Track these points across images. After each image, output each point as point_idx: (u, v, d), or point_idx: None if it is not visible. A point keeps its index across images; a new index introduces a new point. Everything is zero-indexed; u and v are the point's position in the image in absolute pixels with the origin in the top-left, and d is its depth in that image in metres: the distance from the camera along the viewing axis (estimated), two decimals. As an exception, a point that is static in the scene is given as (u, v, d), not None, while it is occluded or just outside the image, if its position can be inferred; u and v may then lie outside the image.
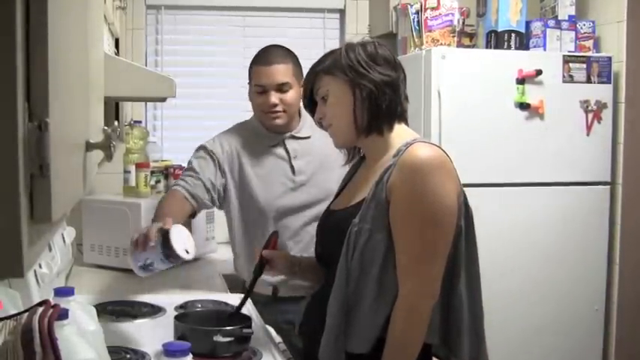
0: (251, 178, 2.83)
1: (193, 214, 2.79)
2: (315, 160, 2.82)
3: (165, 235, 2.10)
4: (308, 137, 2.88)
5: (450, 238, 1.90)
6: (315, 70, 2.06)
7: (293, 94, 2.81)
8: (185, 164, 3.69)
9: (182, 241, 2.12)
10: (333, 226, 2.10)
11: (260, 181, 2.83)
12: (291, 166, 2.85)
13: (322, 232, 2.20)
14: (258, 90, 2.82)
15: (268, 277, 2.47)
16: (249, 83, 2.90)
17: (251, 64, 2.88)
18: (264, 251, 2.26)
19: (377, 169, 1.98)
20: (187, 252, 2.12)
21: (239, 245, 2.89)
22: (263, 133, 2.89)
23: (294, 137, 2.89)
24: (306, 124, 2.89)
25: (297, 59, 2.88)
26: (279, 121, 2.83)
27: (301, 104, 2.79)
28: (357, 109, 1.99)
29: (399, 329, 1.87)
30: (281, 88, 2.79)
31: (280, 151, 2.87)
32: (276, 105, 2.79)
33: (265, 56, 2.83)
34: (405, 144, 1.94)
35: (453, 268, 1.94)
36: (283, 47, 2.90)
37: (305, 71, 2.40)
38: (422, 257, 1.87)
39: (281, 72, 2.79)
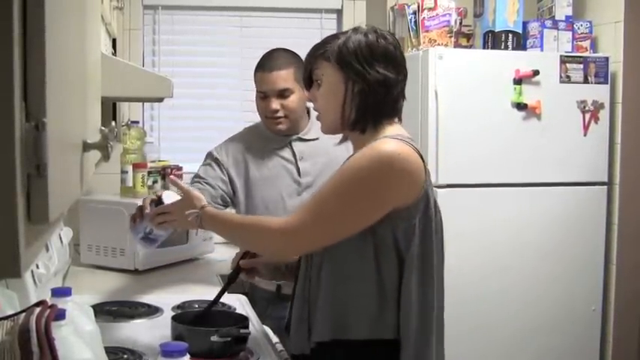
0: (256, 181, 2.85)
1: None
2: (322, 161, 2.81)
3: (158, 200, 2.26)
4: (316, 139, 2.87)
5: (359, 223, 1.89)
6: (316, 53, 2.04)
7: (294, 99, 2.82)
8: (182, 164, 3.73)
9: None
10: None
11: (265, 183, 2.85)
12: (297, 168, 2.86)
13: None
14: (260, 95, 2.85)
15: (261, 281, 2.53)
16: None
17: (255, 69, 2.89)
18: (242, 262, 2.27)
19: None
20: None
21: None
22: (270, 136, 2.91)
23: (301, 139, 2.90)
24: (315, 125, 2.87)
25: (301, 62, 2.82)
26: (281, 127, 2.85)
27: (311, 105, 2.80)
28: (347, 104, 1.98)
29: (252, 231, 2.02)
30: (282, 93, 2.80)
31: (286, 153, 2.89)
32: (277, 111, 2.81)
33: (267, 62, 2.85)
34: (378, 138, 1.94)
35: (403, 265, 1.91)
36: (287, 51, 2.90)
37: None
38: (316, 218, 1.89)
39: (282, 78, 2.79)
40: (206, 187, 2.78)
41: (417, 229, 1.91)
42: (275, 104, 2.80)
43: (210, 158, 2.90)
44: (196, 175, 2.88)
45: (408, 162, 1.89)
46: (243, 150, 2.90)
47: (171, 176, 2.23)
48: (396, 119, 2.03)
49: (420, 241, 1.92)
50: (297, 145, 2.89)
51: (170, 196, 2.29)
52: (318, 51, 2.03)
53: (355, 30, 2.02)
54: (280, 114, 2.82)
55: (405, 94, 2.05)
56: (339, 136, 2.14)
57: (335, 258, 1.93)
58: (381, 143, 1.90)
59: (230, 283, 2.32)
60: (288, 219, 1.92)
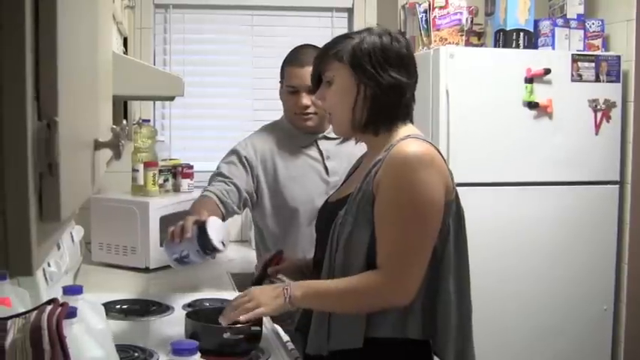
0: (285, 181, 2.81)
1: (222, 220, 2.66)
2: (347, 160, 2.77)
3: (201, 226, 2.14)
4: (339, 138, 2.86)
5: (434, 234, 1.90)
6: (328, 53, 2.02)
7: None
8: (193, 163, 3.74)
9: (218, 232, 2.17)
10: (325, 216, 2.12)
11: (294, 183, 2.81)
12: (325, 167, 2.84)
13: (318, 222, 2.21)
14: (290, 90, 2.80)
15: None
16: (281, 82, 2.88)
17: (283, 64, 2.86)
18: (270, 269, 2.28)
19: (370, 163, 1.99)
20: (223, 244, 2.18)
21: (270, 246, 2.84)
22: (295, 134, 2.87)
23: (326, 138, 2.87)
24: None
25: None
26: (310, 123, 2.81)
27: None
28: (358, 106, 1.98)
29: (360, 298, 1.90)
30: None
31: (313, 152, 2.86)
32: (308, 107, 2.77)
33: (299, 57, 2.80)
34: (398, 140, 1.94)
35: (440, 266, 1.93)
36: (317, 47, 2.86)
37: None
38: (406, 254, 1.87)
39: None
40: (232, 189, 2.71)
41: (452, 228, 1.92)
42: (306, 100, 2.76)
43: (236, 156, 2.81)
44: (219, 174, 2.77)
45: (438, 158, 1.92)
46: (271, 149, 2.84)
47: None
48: (408, 121, 2.03)
49: (455, 240, 1.94)
50: (323, 144, 2.87)
51: (215, 223, 2.19)
52: (330, 50, 2.02)
53: (369, 31, 2.00)
54: (311, 110, 2.78)
55: (415, 97, 2.05)
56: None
57: (360, 259, 1.92)
58: (403, 147, 1.89)
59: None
60: (387, 271, 1.88)
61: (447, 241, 1.93)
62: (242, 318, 1.97)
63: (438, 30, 3.78)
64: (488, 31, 3.94)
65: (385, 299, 1.90)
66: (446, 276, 1.93)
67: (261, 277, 2.29)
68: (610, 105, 3.75)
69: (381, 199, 1.89)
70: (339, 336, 1.94)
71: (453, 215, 1.94)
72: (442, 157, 1.95)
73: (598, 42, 3.85)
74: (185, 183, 3.62)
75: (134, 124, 3.67)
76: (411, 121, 2.05)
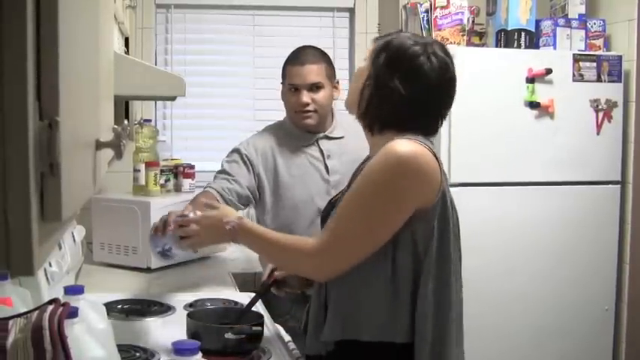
0: (286, 180, 2.85)
1: None
2: (348, 159, 2.76)
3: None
4: (341, 137, 2.91)
5: (382, 237, 1.87)
6: (376, 39, 2.06)
7: (325, 94, 2.86)
8: (194, 163, 3.74)
9: None
10: (324, 217, 2.15)
11: (295, 182, 2.85)
12: (325, 166, 2.88)
13: (321, 223, 2.22)
14: (291, 88, 2.87)
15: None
16: (283, 83, 2.94)
17: (285, 64, 2.93)
18: (277, 272, 2.27)
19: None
20: None
21: None
22: (297, 134, 2.92)
23: (327, 137, 2.92)
24: (339, 124, 2.93)
25: (330, 60, 2.95)
26: (310, 121, 2.87)
27: (333, 104, 2.86)
28: (364, 92, 1.98)
29: (287, 252, 1.98)
30: (313, 87, 2.83)
31: (314, 151, 2.91)
32: (307, 104, 2.84)
33: (299, 56, 2.88)
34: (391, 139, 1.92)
35: (420, 268, 1.89)
36: (317, 48, 2.96)
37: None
38: (342, 237, 1.88)
39: (314, 72, 2.84)
40: (234, 186, 2.78)
41: (436, 231, 1.90)
42: (306, 97, 2.83)
43: (238, 155, 2.88)
44: (222, 171, 2.85)
45: (425, 161, 1.87)
46: (272, 147, 2.90)
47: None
48: (408, 134, 1.94)
49: (438, 243, 1.90)
50: (324, 143, 2.91)
51: None
52: (380, 39, 2.04)
53: (412, 38, 2.00)
54: (310, 108, 2.85)
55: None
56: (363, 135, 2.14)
57: None
58: (393, 145, 1.87)
59: (259, 297, 2.33)
60: (319, 242, 1.90)
61: (430, 244, 1.89)
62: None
63: (439, 30, 3.78)
64: (489, 31, 3.94)
65: (302, 264, 1.98)
66: (425, 282, 1.88)
67: (265, 287, 2.30)
68: (611, 105, 3.75)
69: (356, 180, 1.92)
70: (330, 330, 1.94)
71: (439, 217, 1.90)
72: (437, 158, 1.91)
73: (599, 42, 3.85)
74: (186, 183, 3.62)
75: (135, 124, 3.68)
76: (426, 136, 2.00)
